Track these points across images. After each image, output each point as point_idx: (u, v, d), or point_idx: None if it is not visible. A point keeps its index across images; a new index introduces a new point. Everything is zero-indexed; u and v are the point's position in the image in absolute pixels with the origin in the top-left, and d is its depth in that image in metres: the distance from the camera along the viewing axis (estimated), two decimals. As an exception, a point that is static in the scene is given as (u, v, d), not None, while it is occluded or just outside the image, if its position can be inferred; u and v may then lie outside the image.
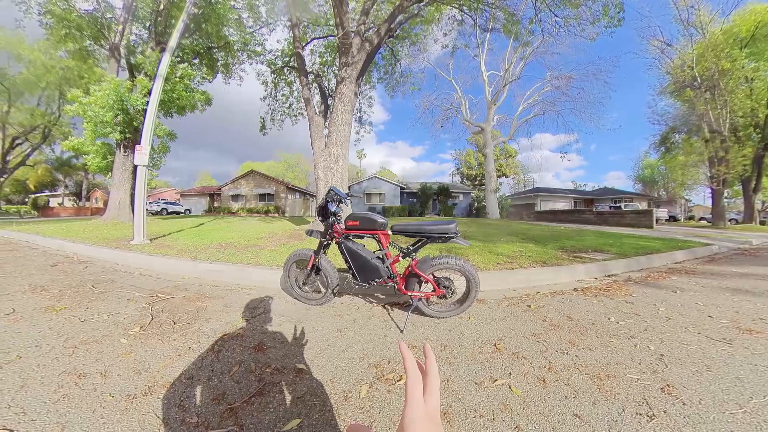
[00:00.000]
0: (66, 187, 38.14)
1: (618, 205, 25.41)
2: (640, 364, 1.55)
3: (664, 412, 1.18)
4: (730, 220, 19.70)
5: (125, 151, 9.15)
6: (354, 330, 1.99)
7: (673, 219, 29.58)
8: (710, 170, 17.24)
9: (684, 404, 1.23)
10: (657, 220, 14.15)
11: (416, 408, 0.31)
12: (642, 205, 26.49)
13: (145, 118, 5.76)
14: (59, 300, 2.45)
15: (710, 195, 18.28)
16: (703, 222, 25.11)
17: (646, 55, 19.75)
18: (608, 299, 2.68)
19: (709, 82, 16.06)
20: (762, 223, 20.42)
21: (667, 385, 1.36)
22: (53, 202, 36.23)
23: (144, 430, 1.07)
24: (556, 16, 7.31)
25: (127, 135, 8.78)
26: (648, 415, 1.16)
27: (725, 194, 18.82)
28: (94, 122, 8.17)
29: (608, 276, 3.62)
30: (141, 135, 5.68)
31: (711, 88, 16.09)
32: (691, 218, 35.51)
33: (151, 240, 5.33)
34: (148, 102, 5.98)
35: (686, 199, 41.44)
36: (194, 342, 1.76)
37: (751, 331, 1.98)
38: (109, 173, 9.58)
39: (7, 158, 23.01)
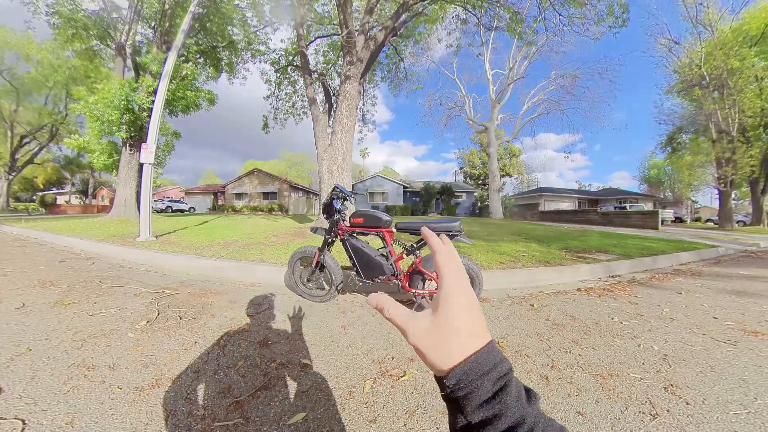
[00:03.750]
0: (73, 185, 38.64)
1: (623, 205, 25.17)
2: (643, 363, 1.55)
3: (668, 411, 1.18)
4: (737, 222, 19.39)
5: (131, 150, 9.25)
6: (358, 326, 2.00)
7: (679, 220, 29.23)
8: (717, 171, 16.97)
9: (687, 404, 1.22)
10: (663, 222, 14.01)
11: (452, 274, 0.26)
12: (647, 206, 26.21)
13: (150, 117, 5.82)
14: (68, 295, 2.50)
15: (717, 196, 18.02)
16: (710, 224, 24.76)
17: (653, 54, 19.48)
18: (612, 300, 2.67)
19: (717, 81, 15.80)
20: (770, 224, 20.07)
21: (671, 384, 1.36)
22: (60, 200, 36.75)
23: (152, 422, 1.09)
24: (560, 14, 7.24)
25: (133, 134, 8.88)
26: (651, 414, 1.16)
27: (733, 196, 18.54)
28: (99, 121, 8.28)
29: (612, 276, 3.60)
30: (147, 134, 5.74)
31: (719, 87, 15.83)
32: (697, 220, 35.07)
33: (156, 237, 5.39)
34: (153, 101, 6.05)
35: (693, 201, 40.91)
36: (200, 337, 1.78)
37: (756, 333, 1.96)
38: (115, 171, 9.70)
39: (16, 156, 23.39)
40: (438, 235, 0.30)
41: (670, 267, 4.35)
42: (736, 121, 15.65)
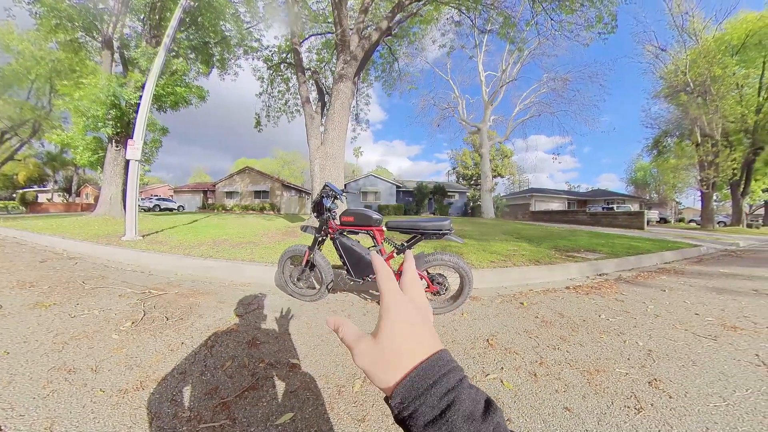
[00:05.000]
0: (56, 182, 37.26)
1: (610, 206, 25.80)
2: (628, 359, 1.59)
3: (652, 405, 1.21)
4: (718, 223, 20.13)
5: (117, 146, 8.98)
6: (349, 326, 1.98)
7: (663, 221, 30.13)
8: (700, 174, 17.59)
9: (670, 397, 1.26)
10: (648, 222, 14.41)
11: (390, 295, 0.26)
12: (634, 207, 26.94)
13: (137, 112, 5.66)
14: (48, 296, 2.41)
15: (700, 198, 18.67)
16: (693, 224, 25.65)
17: (641, 60, 20.10)
18: (599, 297, 2.73)
19: (701, 88, 16.38)
20: (749, 225, 20.93)
21: (655, 379, 1.39)
22: (42, 198, 35.41)
23: (135, 425, 1.06)
24: (552, 19, 7.39)
25: (119, 130, 8.62)
26: (636, 408, 1.19)
27: (714, 198, 19.24)
28: (84, 116, 8.02)
29: (600, 275, 3.68)
30: (133, 129, 5.59)
31: (703, 93, 16.41)
32: (681, 220, 36.24)
33: (143, 236, 5.25)
34: (141, 96, 5.88)
35: (677, 202, 42.28)
36: (187, 337, 1.74)
37: (735, 328, 2.03)
38: (100, 168, 9.42)
39: (-5, 152, 22.40)
40: (404, 254, 0.32)
41: (654, 265, 4.48)
42: (719, 126, 16.24)
